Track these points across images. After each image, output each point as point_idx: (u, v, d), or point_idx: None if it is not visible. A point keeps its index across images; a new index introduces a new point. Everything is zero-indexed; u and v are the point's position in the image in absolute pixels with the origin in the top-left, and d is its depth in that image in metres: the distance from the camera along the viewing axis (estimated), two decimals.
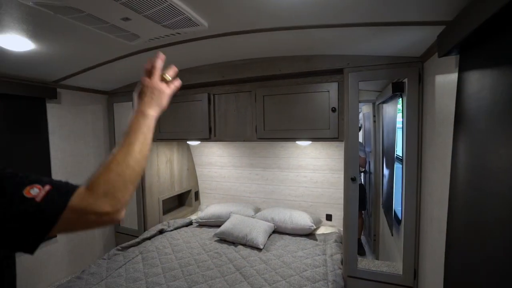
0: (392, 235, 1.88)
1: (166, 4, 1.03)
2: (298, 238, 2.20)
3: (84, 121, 2.30)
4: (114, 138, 2.46)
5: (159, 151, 2.52)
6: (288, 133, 1.86)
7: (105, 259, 1.96)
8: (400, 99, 1.75)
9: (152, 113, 0.68)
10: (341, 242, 2.10)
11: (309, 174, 2.49)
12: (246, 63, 1.86)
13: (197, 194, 3.09)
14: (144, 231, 2.37)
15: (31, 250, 0.50)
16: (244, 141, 2.03)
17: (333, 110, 1.72)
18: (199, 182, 3.07)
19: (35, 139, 1.98)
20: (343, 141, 1.74)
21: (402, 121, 1.65)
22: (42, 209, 0.49)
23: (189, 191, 2.99)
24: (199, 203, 3.11)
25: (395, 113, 1.98)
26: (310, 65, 1.69)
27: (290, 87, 1.84)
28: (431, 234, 1.30)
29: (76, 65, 1.81)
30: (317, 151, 2.40)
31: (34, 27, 1.22)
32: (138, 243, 2.16)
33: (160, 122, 2.35)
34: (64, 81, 2.04)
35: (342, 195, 2.39)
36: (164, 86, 0.73)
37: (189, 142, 2.54)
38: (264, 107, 1.92)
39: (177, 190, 2.78)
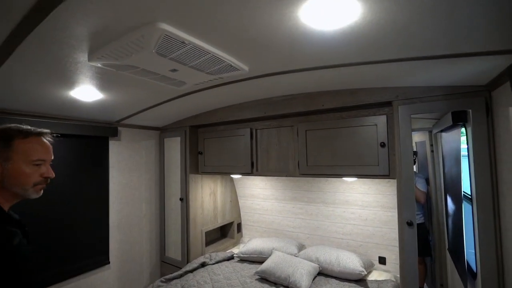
0: None
1: (209, 56, 1.10)
2: (347, 284, 1.98)
3: (139, 156, 2.52)
4: (163, 170, 2.63)
5: (203, 183, 2.60)
6: (332, 169, 1.76)
7: None
8: (464, 128, 1.54)
9: None
10: None
11: (358, 211, 2.29)
12: (287, 99, 1.86)
13: (239, 226, 3.06)
14: (187, 262, 2.39)
15: None
16: (286, 176, 1.98)
17: (382, 145, 1.59)
18: (242, 213, 3.06)
19: (99, 172, 2.22)
20: (395, 178, 1.57)
21: (468, 153, 1.43)
22: None
23: (231, 223, 2.99)
24: (241, 235, 3.07)
25: (458, 143, 1.74)
26: (356, 99, 1.61)
27: (333, 121, 1.77)
28: None
29: (134, 108, 2.02)
30: (365, 186, 2.21)
31: (102, 82, 1.41)
32: (181, 275, 2.18)
33: (205, 156, 2.45)
34: (124, 120, 2.29)
35: (397, 236, 2.15)
36: None
37: (232, 175, 2.59)
38: (306, 142, 1.87)
39: (220, 222, 2.79)
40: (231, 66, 1.22)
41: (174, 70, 1.23)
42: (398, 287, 1.89)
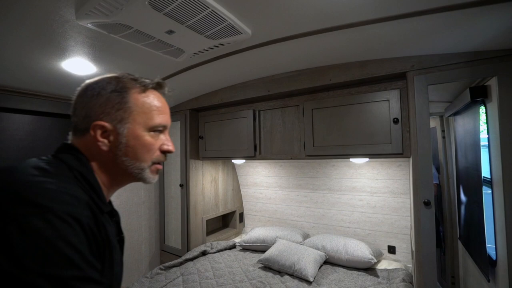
0: (488, 281, 1.45)
1: (208, 11, 0.99)
2: (355, 273, 1.88)
3: None
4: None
5: (204, 170, 2.50)
6: (340, 149, 1.65)
7: (147, 277, 1.92)
8: (483, 107, 1.42)
9: None
10: (410, 283, 1.72)
11: (366, 198, 2.18)
12: (293, 75, 1.75)
13: (241, 216, 2.97)
14: (188, 251, 2.30)
15: None
16: (291, 159, 1.88)
17: (395, 121, 1.48)
18: (244, 203, 2.96)
19: None
20: (409, 157, 1.46)
21: (489, 135, 1.31)
22: None
23: (233, 212, 2.89)
24: (244, 225, 2.97)
25: (476, 125, 1.62)
26: (366, 72, 1.50)
27: (342, 98, 1.66)
28: None
29: None
30: (374, 171, 2.10)
31: (93, 50, 1.31)
32: (181, 263, 2.09)
33: (206, 140, 2.35)
34: None
35: (407, 224, 2.04)
36: None
37: (234, 161, 2.49)
38: (313, 122, 1.76)
39: (221, 211, 2.70)
40: (232, 27, 1.12)
41: (170, 32, 1.13)
42: (410, 276, 1.78)
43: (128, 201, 2.34)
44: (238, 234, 2.87)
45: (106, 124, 0.56)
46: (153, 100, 0.61)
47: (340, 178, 2.26)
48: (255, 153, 2.03)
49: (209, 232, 2.68)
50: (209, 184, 2.56)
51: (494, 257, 1.34)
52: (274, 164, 2.58)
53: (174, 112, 2.46)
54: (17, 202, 0.42)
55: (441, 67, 1.29)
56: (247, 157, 2.09)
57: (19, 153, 1.71)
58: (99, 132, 0.56)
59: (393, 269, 1.88)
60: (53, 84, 1.68)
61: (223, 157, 2.23)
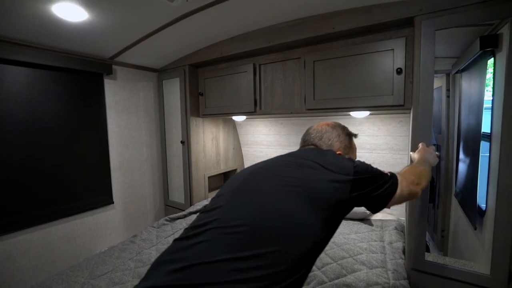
0: (475, 228, 1.52)
1: None
2: (350, 222, 1.98)
3: (136, 97, 2.40)
4: (163, 114, 2.53)
5: (205, 127, 2.51)
6: (342, 101, 1.63)
7: (154, 227, 2.04)
8: (492, 59, 1.36)
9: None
10: (402, 231, 1.81)
11: (365, 154, 2.21)
12: (295, 24, 1.67)
13: None
14: (191, 205, 2.41)
15: (381, 208, 0.84)
16: (291, 113, 1.87)
17: (399, 71, 1.44)
18: (245, 162, 3.02)
19: (95, 111, 2.12)
20: (410, 109, 1.45)
21: (494, 88, 1.28)
22: (393, 177, 0.85)
23: (234, 170, 2.96)
24: None
25: (482, 79, 1.57)
26: (371, 18, 1.42)
27: (345, 49, 1.60)
28: None
29: (126, 38, 1.85)
30: (375, 128, 2.10)
31: None
32: (185, 216, 2.20)
33: (206, 97, 2.32)
34: (118, 57, 2.13)
35: None
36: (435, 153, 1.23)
37: (234, 119, 2.48)
38: (314, 74, 1.71)
39: (222, 168, 2.76)
40: None
41: None
42: (402, 226, 1.88)
43: (131, 158, 2.39)
44: None
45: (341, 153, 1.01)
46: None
47: None
48: (255, 109, 2.01)
49: (211, 189, 2.77)
50: (210, 142, 2.58)
51: (484, 208, 1.40)
52: (275, 122, 2.58)
53: (173, 68, 2.40)
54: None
55: (451, 10, 1.22)
56: (247, 113, 2.08)
57: (17, 107, 1.70)
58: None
59: (386, 220, 1.98)
60: (45, 33, 1.62)
61: (224, 113, 2.22)
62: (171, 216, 2.15)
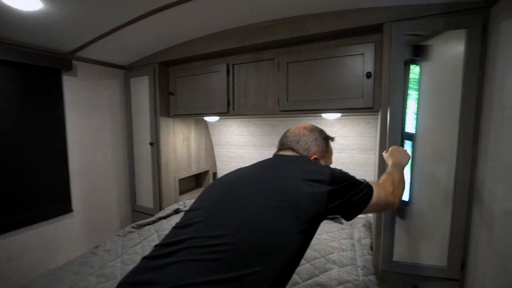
0: (402, 218, 1.61)
1: None
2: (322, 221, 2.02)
3: (100, 96, 2.23)
4: (131, 114, 2.38)
5: (175, 128, 2.41)
6: (314, 103, 1.66)
7: (120, 236, 1.91)
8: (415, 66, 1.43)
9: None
10: (370, 228, 1.89)
11: (336, 154, 2.22)
12: (269, 25, 1.66)
13: (215, 176, 2.98)
14: (160, 210, 2.30)
15: (356, 215, 0.86)
16: (265, 114, 1.86)
17: (368, 75, 1.49)
18: (217, 163, 2.96)
19: (50, 110, 1.93)
20: (378, 111, 1.51)
21: (419, 94, 1.36)
22: (368, 186, 0.86)
23: (207, 172, 2.89)
24: None
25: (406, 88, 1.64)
26: (343, 22, 1.46)
27: (318, 52, 1.62)
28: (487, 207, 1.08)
29: (89, 31, 1.71)
30: (345, 128, 2.17)
31: None
32: (154, 221, 2.09)
33: (177, 96, 2.23)
34: (79, 52, 1.97)
35: (371, 178, 2.19)
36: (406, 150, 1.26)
37: (207, 120, 2.41)
38: (288, 76, 1.72)
39: (194, 170, 2.68)
40: None
41: None
42: (369, 223, 1.96)
43: (94, 161, 2.22)
44: None
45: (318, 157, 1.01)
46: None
47: None
48: (228, 109, 1.98)
49: (182, 192, 2.68)
50: (181, 143, 2.49)
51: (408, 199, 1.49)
52: (248, 123, 2.56)
53: (142, 66, 2.27)
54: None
55: (417, 19, 1.30)
56: (220, 114, 2.03)
57: None
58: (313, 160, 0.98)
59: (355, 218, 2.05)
60: None
61: (196, 114, 2.15)
62: (139, 222, 2.03)
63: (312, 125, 1.10)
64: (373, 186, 0.88)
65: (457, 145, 1.26)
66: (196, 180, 2.98)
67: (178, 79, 2.21)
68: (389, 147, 1.43)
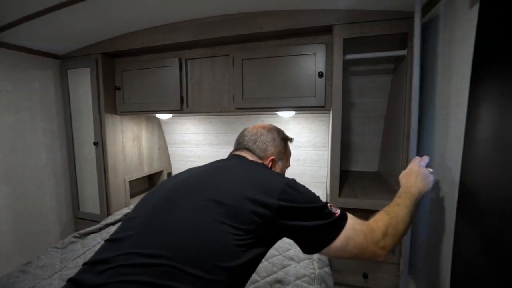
0: None
1: None
2: None
3: (29, 89, 1.94)
4: (69, 110, 2.12)
5: (124, 126, 2.22)
6: (269, 101, 1.66)
7: (58, 248, 1.69)
8: None
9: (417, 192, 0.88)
10: None
11: (292, 151, 2.33)
12: (223, 19, 1.61)
13: (169, 176, 2.84)
14: (108, 215, 2.10)
15: (311, 251, 0.72)
16: (220, 112, 1.81)
17: (320, 75, 1.55)
18: (172, 162, 2.82)
19: None
20: (330, 110, 1.58)
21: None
22: (336, 223, 0.69)
23: (160, 172, 2.74)
24: None
25: None
26: (295, 22, 1.49)
27: (272, 50, 1.63)
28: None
29: (11, 11, 1.46)
30: (300, 126, 2.24)
31: None
32: (100, 229, 1.90)
33: (124, 92, 2.06)
34: (1, 34, 1.67)
35: (324, 173, 2.30)
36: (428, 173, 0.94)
37: (159, 117, 2.27)
38: (243, 73, 1.70)
39: (146, 171, 2.51)
40: None
41: None
42: None
43: (21, 165, 1.92)
44: None
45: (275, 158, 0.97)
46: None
47: None
48: (182, 106, 1.88)
49: (133, 194, 2.49)
50: (130, 142, 2.31)
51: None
52: (204, 120, 2.48)
53: (81, 56, 2.03)
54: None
55: (362, 24, 1.38)
56: (173, 111, 1.93)
57: None
58: (270, 162, 0.95)
59: None
60: None
61: (146, 111, 2.01)
62: (82, 231, 1.83)
63: (271, 125, 1.04)
64: (351, 225, 0.70)
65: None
66: (149, 181, 2.80)
67: (125, 73, 2.03)
68: (333, 146, 1.52)
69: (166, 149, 2.78)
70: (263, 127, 1.01)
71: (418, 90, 1.18)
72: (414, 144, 1.21)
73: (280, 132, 1.03)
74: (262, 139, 0.96)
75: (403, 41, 1.44)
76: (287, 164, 1.05)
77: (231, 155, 0.98)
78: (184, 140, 2.66)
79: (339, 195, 1.54)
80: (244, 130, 1.04)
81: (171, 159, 2.82)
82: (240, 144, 0.99)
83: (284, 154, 1.02)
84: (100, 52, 1.95)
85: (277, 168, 0.97)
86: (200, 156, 2.64)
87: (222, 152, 2.54)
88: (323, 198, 2.26)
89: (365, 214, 1.70)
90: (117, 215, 2.06)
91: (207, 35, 1.65)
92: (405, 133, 1.41)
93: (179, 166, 2.79)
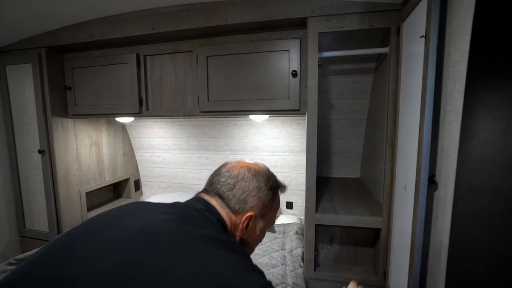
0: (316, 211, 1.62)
1: None
2: None
3: None
4: (10, 113, 1.84)
5: (78, 131, 1.96)
6: (238, 104, 1.47)
7: None
8: None
9: None
10: (302, 234, 1.82)
11: (268, 157, 2.15)
12: (182, 9, 1.40)
13: (138, 183, 2.59)
14: (59, 233, 1.84)
15: None
16: (184, 115, 1.60)
17: (294, 74, 1.36)
18: (140, 169, 2.57)
19: None
20: (305, 114, 1.41)
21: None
22: None
23: (127, 180, 2.48)
24: (141, 194, 2.62)
25: None
26: (265, 13, 1.29)
27: (241, 45, 1.43)
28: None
29: None
30: (276, 130, 2.06)
31: None
32: None
33: (76, 92, 1.80)
34: None
35: (303, 180, 2.13)
36: None
37: (118, 120, 2.02)
38: (208, 72, 1.49)
39: (108, 180, 2.25)
40: None
41: None
42: (302, 228, 1.89)
43: None
44: None
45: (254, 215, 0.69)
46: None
47: (242, 138, 2.15)
48: (140, 109, 1.65)
49: (93, 206, 2.24)
50: (87, 148, 2.05)
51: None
52: (172, 123, 2.25)
53: (22, 50, 1.75)
54: None
55: (339, 16, 1.20)
56: (131, 114, 1.69)
57: None
58: (246, 220, 0.68)
59: (288, 223, 1.97)
60: None
61: (100, 114, 1.76)
62: (20, 256, 1.56)
63: (259, 166, 0.75)
64: None
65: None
66: (115, 190, 2.54)
67: (76, 71, 1.77)
68: (308, 156, 1.34)
69: (133, 154, 2.53)
70: (249, 169, 0.72)
71: (432, 91, 0.85)
72: (426, 163, 0.87)
73: (269, 179, 0.73)
74: (243, 186, 0.69)
75: (385, 37, 1.28)
76: (270, 222, 0.76)
77: (195, 200, 0.69)
78: (152, 144, 2.42)
79: (316, 211, 1.36)
80: (223, 166, 0.75)
81: (138, 166, 2.57)
82: (212, 185, 0.71)
83: (270, 209, 0.73)
84: (44, 46, 1.68)
85: (255, 230, 0.70)
86: (170, 162, 2.42)
87: (194, 157, 2.32)
88: (302, 207, 2.05)
89: (345, 231, 1.57)
90: None
91: (165, 27, 1.43)
92: (388, 140, 1.26)
93: (148, 173, 2.55)
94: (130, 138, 2.47)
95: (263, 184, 0.71)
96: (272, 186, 0.72)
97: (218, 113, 1.52)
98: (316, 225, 1.36)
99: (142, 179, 2.61)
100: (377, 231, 1.35)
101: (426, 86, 0.85)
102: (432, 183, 0.86)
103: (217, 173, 0.73)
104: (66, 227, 1.88)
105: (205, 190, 0.72)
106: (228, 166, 0.73)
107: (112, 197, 2.54)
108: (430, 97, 0.84)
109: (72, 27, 1.60)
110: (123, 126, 2.39)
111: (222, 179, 0.70)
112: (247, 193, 0.69)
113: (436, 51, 0.82)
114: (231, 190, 0.68)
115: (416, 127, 0.92)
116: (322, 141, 1.95)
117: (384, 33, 1.27)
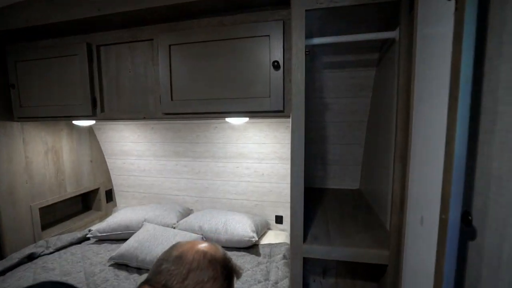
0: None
1: None
2: (235, 253, 1.60)
3: None
4: None
5: (28, 136, 1.67)
6: (209, 104, 1.18)
7: None
8: None
9: None
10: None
11: (253, 165, 1.87)
12: None
13: (110, 194, 2.30)
14: (2, 258, 1.55)
15: None
16: (144, 118, 1.31)
17: (276, 66, 1.08)
18: (113, 177, 2.28)
19: None
20: (289, 116, 1.12)
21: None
22: None
23: (96, 190, 2.20)
24: (115, 205, 2.34)
25: None
26: None
27: (210, 31, 1.14)
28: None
29: None
30: (262, 134, 1.77)
31: None
32: None
33: (21, 90, 1.51)
34: None
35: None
36: None
37: (76, 123, 1.72)
38: (171, 65, 1.20)
39: (71, 192, 1.96)
40: None
41: None
42: None
43: None
44: (105, 217, 2.23)
45: None
46: None
47: (224, 143, 1.86)
48: (94, 111, 1.36)
49: (57, 221, 1.95)
50: (41, 156, 1.76)
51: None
52: (144, 127, 1.96)
53: None
54: None
55: None
56: (84, 117, 1.41)
57: None
58: None
59: (276, 243, 1.68)
60: None
61: (49, 117, 1.47)
62: None
63: (217, 249, 0.62)
64: None
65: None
66: (84, 202, 2.25)
67: (20, 65, 1.48)
68: (294, 164, 1.06)
69: (104, 161, 2.24)
70: (204, 255, 0.58)
71: (470, 85, 0.55)
72: (459, 194, 0.57)
73: (226, 266, 0.60)
74: (195, 276, 0.56)
75: (393, 17, 0.99)
76: None
77: None
78: (124, 150, 2.13)
79: (305, 240, 1.08)
80: (175, 247, 0.61)
81: (111, 174, 2.28)
82: (159, 274, 0.56)
83: None
84: None
85: None
86: (144, 170, 2.13)
87: (170, 165, 2.03)
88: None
89: (341, 266, 1.29)
90: (15, 258, 1.51)
91: (114, 8, 1.14)
92: (397, 151, 0.97)
93: (122, 182, 2.26)
94: (100, 143, 2.18)
95: (219, 274, 0.58)
96: (228, 274, 0.60)
97: (184, 115, 1.23)
98: (304, 257, 1.07)
99: (115, 188, 2.32)
100: (382, 266, 1.07)
101: (458, 78, 0.56)
102: (467, 225, 0.57)
103: (166, 258, 0.59)
104: (15, 249, 1.59)
105: (148, 282, 0.57)
106: (181, 249, 0.60)
107: (81, 209, 2.25)
108: (465, 93, 0.55)
109: (6, 9, 1.31)
110: (90, 130, 2.10)
111: (173, 267, 0.57)
112: (201, 285, 0.56)
113: (476, 18, 0.53)
114: (182, 281, 0.55)
115: (442, 137, 0.63)
116: (315, 147, 1.66)
117: (392, 10, 0.97)
